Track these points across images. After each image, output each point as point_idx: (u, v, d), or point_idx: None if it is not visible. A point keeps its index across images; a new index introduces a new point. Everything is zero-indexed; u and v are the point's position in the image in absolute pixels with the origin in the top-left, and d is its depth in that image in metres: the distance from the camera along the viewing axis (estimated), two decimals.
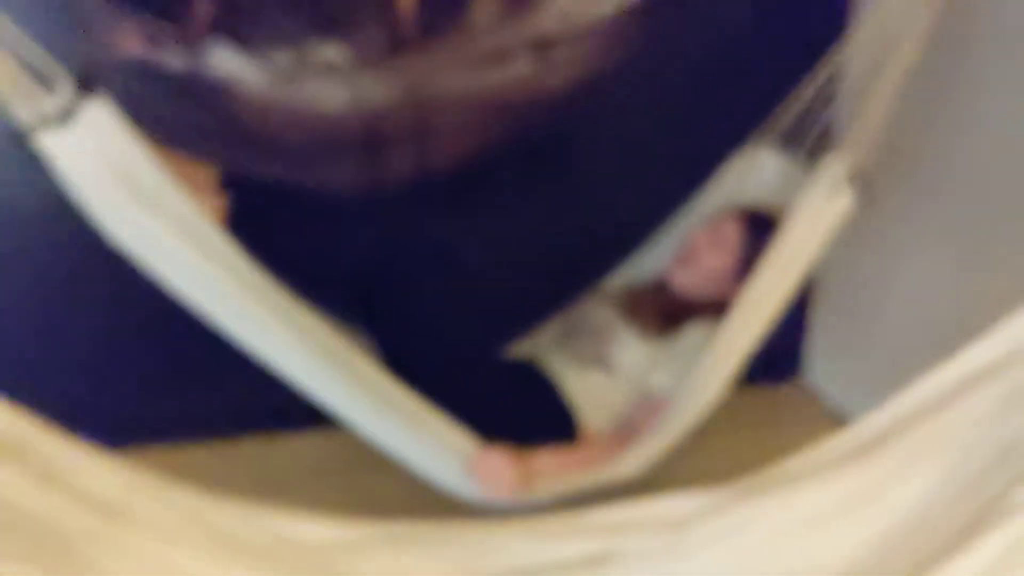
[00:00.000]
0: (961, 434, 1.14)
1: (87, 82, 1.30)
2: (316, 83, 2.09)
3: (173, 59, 2.00)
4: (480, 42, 2.14)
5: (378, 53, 2.10)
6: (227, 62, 2.04)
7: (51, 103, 1.29)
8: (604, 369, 1.79)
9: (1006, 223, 1.84)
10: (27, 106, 1.28)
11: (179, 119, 2.04)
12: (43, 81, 1.30)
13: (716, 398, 1.63)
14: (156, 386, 2.16)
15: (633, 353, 1.79)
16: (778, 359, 2.62)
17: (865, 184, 1.64)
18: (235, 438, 2.20)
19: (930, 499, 1.14)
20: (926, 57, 2.10)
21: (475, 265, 2.00)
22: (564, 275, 2.08)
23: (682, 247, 1.89)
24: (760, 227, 1.69)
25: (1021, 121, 1.86)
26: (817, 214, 1.63)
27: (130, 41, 1.98)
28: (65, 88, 1.30)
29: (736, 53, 2.22)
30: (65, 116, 1.29)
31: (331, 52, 2.08)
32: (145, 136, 1.45)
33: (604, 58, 2.20)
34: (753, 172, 1.89)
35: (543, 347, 1.88)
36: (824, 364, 2.55)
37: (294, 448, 2.22)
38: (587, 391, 1.79)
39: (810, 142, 1.77)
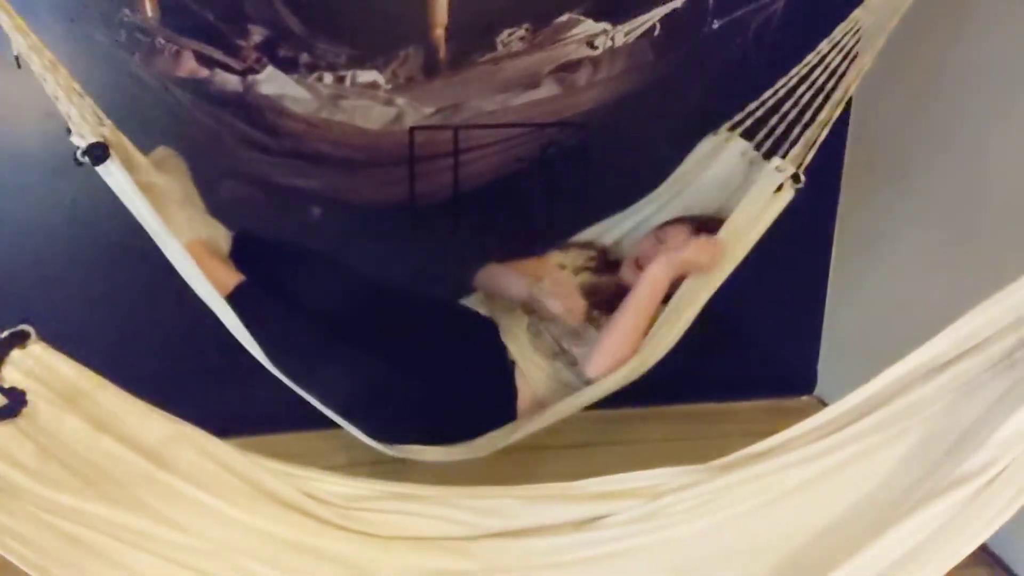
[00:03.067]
0: (923, 420, 1.23)
1: (100, 155, 1.45)
2: (358, 104, 2.26)
3: (226, 81, 2.18)
4: (508, 68, 2.29)
5: (414, 78, 2.26)
6: (276, 85, 2.21)
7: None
8: (564, 360, 1.86)
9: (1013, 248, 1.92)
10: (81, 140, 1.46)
11: (231, 133, 2.22)
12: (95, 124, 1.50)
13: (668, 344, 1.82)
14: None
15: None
16: (795, 375, 2.74)
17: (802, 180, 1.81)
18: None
19: (892, 478, 1.23)
20: (913, 79, 2.18)
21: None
22: None
23: (637, 253, 1.95)
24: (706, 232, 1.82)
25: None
26: (764, 205, 1.80)
27: (188, 64, 2.16)
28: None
29: (749, 75, 2.33)
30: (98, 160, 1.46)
31: (371, 77, 2.24)
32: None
33: (624, 80, 2.34)
34: (720, 155, 2.03)
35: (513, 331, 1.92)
36: (837, 379, 2.65)
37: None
38: (536, 370, 1.87)
39: (768, 140, 1.93)
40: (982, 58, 2.03)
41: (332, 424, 2.38)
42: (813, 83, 1.83)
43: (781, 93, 1.89)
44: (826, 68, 1.81)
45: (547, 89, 2.32)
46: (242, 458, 1.19)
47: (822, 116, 1.78)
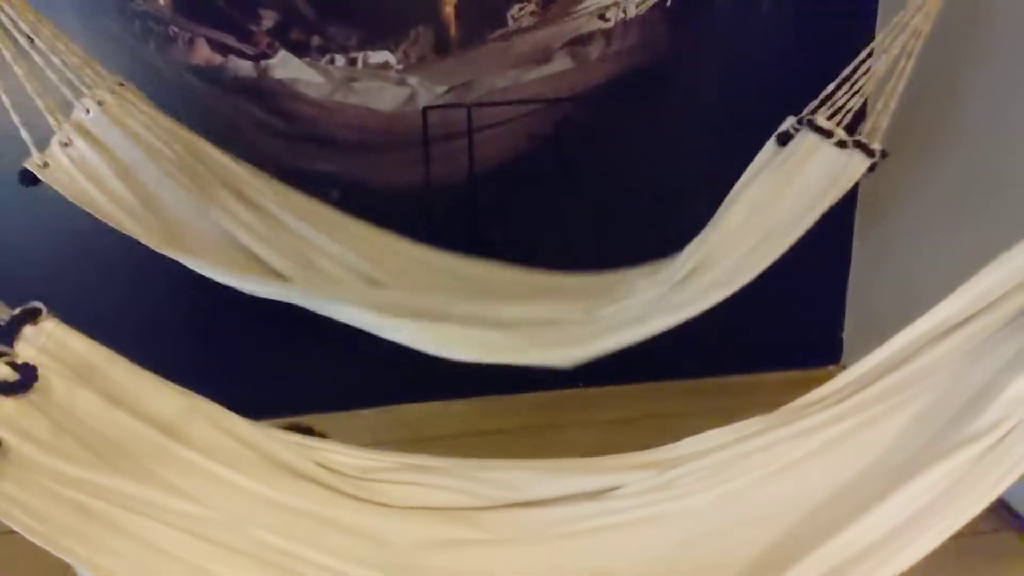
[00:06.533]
0: (934, 382, 1.23)
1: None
2: (370, 85, 2.27)
3: (240, 67, 2.20)
4: (519, 44, 2.28)
5: (426, 57, 2.26)
6: (289, 69, 2.23)
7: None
8: None
9: None
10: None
11: (247, 119, 2.24)
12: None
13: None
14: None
15: None
16: (821, 346, 2.71)
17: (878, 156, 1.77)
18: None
19: (903, 441, 1.23)
20: (947, 51, 2.14)
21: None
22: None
23: None
24: None
25: None
26: (837, 183, 1.75)
27: (202, 51, 2.17)
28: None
29: (764, 46, 2.31)
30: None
31: (383, 57, 2.25)
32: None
33: (638, 52, 2.32)
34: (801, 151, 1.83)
35: None
36: (863, 348, 2.59)
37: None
38: None
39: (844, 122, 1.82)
40: (1013, 22, 1.99)
41: (356, 405, 2.43)
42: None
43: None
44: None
45: (559, 63, 2.31)
46: (256, 430, 1.21)
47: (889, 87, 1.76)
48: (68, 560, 1.03)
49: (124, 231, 1.56)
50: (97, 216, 1.55)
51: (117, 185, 1.57)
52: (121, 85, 1.67)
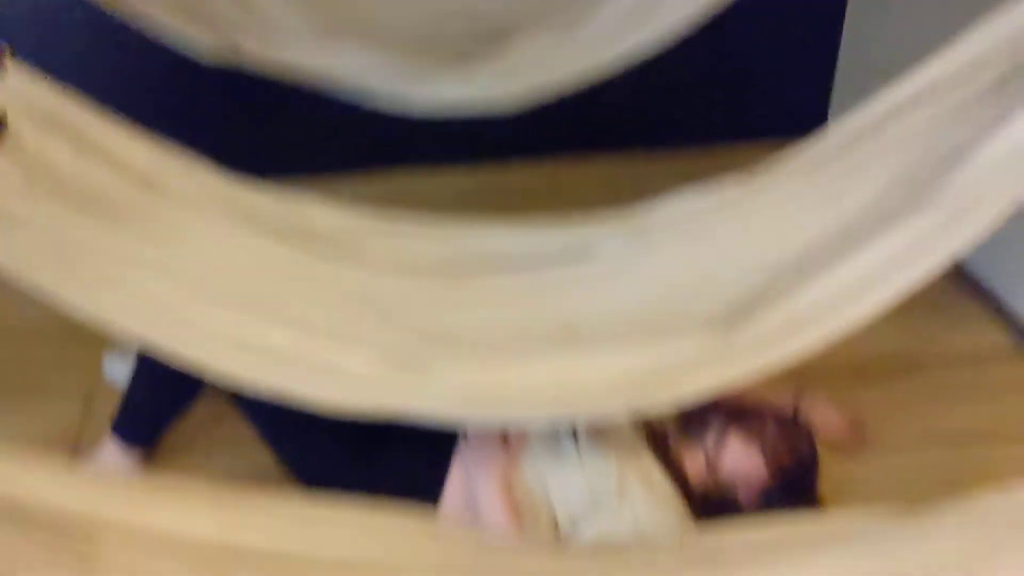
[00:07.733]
0: (912, 142, 1.22)
1: None
2: None
3: None
4: None
5: None
6: None
7: None
8: None
9: None
10: None
11: None
12: None
13: None
14: None
15: None
16: (804, 111, 2.57)
17: None
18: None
19: (879, 199, 1.24)
20: None
21: None
22: None
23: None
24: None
25: None
26: None
27: None
28: None
29: None
30: None
31: None
32: None
33: None
34: None
35: None
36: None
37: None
38: None
39: None
40: None
41: (337, 168, 2.39)
42: None
43: None
44: None
45: None
46: (232, 183, 1.20)
47: None
48: (57, 298, 1.02)
49: None
50: None
51: None
52: None
